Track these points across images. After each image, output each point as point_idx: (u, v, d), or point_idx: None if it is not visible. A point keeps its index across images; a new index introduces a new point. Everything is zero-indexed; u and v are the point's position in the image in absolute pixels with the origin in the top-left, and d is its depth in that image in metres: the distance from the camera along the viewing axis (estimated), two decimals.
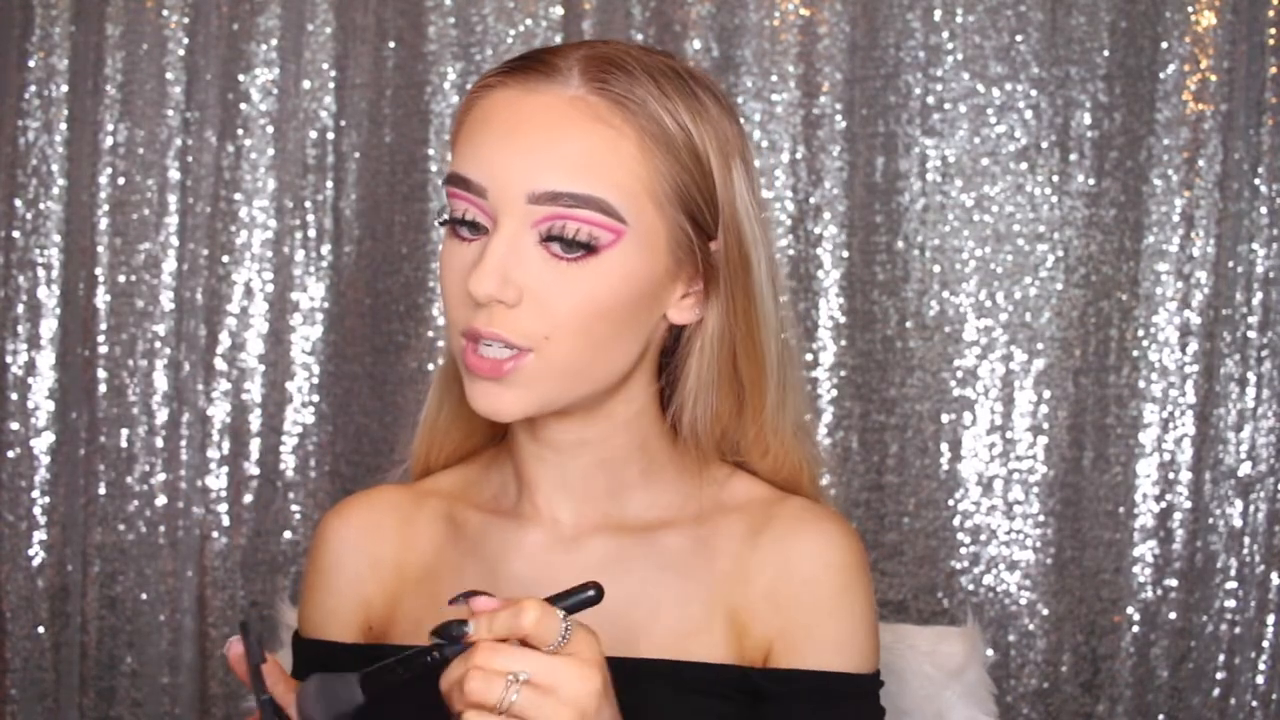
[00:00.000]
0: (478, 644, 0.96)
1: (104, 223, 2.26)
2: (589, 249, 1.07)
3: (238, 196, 2.25)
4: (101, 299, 2.26)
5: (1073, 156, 2.18)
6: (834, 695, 1.13)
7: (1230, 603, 2.16)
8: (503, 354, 1.08)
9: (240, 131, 2.25)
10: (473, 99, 1.13)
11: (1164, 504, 2.17)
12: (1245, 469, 2.16)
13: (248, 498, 2.26)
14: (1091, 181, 2.17)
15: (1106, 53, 2.17)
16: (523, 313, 1.08)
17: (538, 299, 1.08)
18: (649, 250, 1.10)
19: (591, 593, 0.98)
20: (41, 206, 2.25)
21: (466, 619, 0.97)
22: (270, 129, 2.25)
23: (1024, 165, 2.18)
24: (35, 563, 2.26)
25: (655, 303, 1.12)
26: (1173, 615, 2.17)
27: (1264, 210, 2.14)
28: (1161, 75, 2.15)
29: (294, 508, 2.26)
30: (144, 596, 2.27)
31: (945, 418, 2.20)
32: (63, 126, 2.25)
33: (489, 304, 1.08)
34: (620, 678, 1.03)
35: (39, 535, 2.26)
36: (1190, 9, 2.14)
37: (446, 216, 1.12)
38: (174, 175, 2.26)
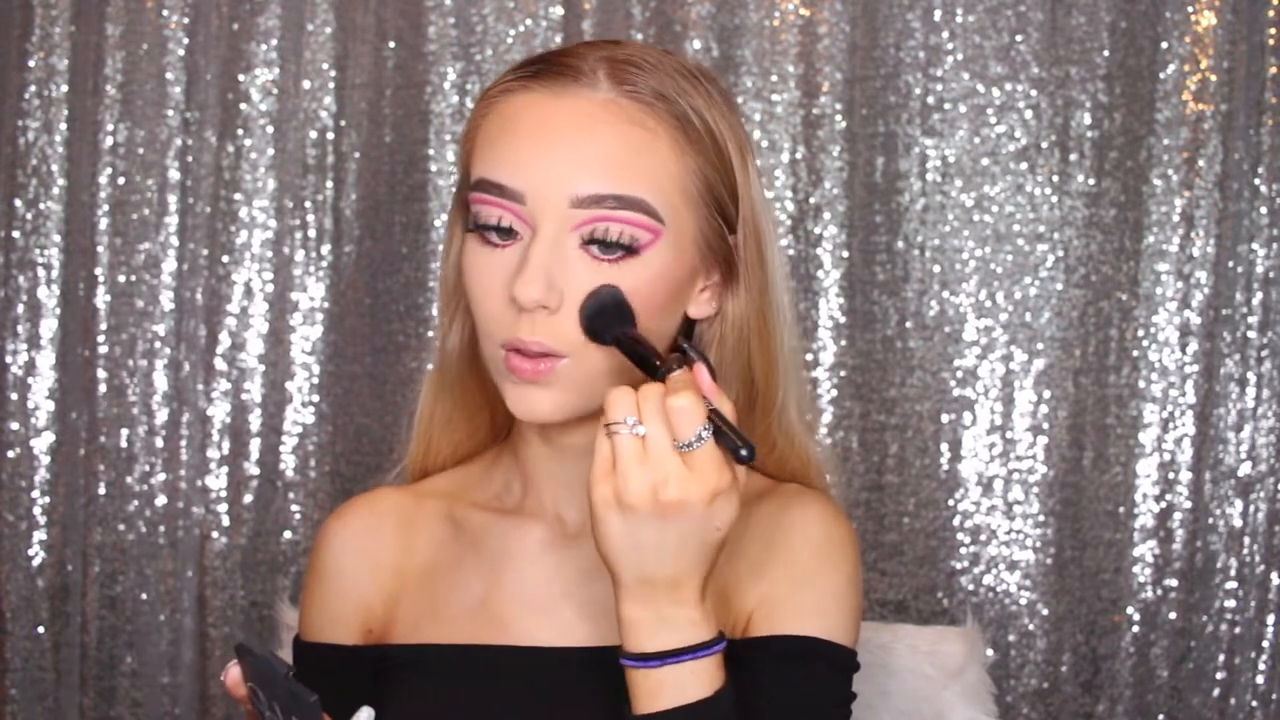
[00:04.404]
0: (685, 383, 1.00)
1: (104, 223, 2.26)
2: (629, 250, 1.08)
3: (238, 196, 2.25)
4: (101, 299, 2.26)
5: (1073, 156, 2.18)
6: (803, 657, 1.13)
7: (1230, 603, 2.15)
8: (541, 359, 1.09)
9: (240, 131, 2.25)
10: (490, 103, 1.13)
11: (1164, 504, 2.17)
12: (1245, 469, 2.16)
13: (248, 498, 2.26)
14: (1091, 181, 2.17)
15: (1106, 53, 2.17)
16: (563, 318, 1.08)
17: (578, 303, 1.08)
18: (680, 249, 1.11)
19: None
20: (41, 206, 2.25)
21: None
22: (270, 129, 2.25)
23: (1024, 165, 2.18)
24: (35, 563, 2.26)
25: (679, 301, 1.13)
26: (1173, 615, 2.17)
27: (1264, 210, 2.14)
28: (1161, 75, 2.15)
29: (294, 508, 2.26)
30: (144, 596, 2.27)
31: (945, 418, 2.20)
32: (63, 126, 2.25)
33: (533, 310, 1.08)
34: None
35: (39, 535, 2.26)
36: (1190, 9, 2.14)
37: (472, 223, 1.11)
38: (174, 175, 2.25)
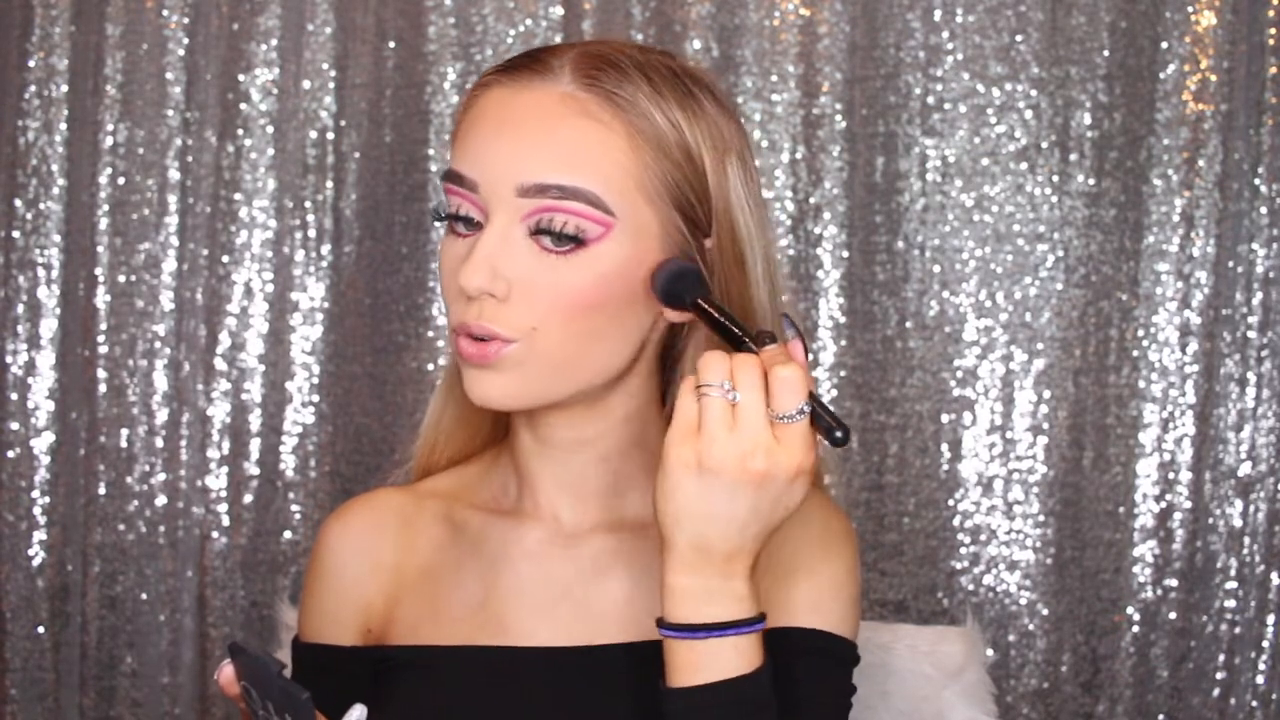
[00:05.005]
0: (786, 356, 1.00)
1: (104, 223, 2.26)
2: (578, 242, 1.08)
3: (238, 196, 2.25)
4: (101, 299, 2.26)
5: (1073, 156, 2.18)
6: (803, 650, 1.13)
7: (1230, 603, 2.16)
8: (488, 341, 1.09)
9: (240, 131, 2.25)
10: (471, 98, 1.15)
11: (1164, 504, 2.17)
12: (1245, 469, 2.16)
13: (248, 498, 2.26)
14: (1091, 181, 2.17)
15: (1106, 53, 2.17)
16: (512, 306, 1.09)
17: (527, 292, 1.08)
18: (640, 245, 1.10)
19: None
20: (41, 206, 2.25)
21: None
22: (270, 129, 2.25)
23: (1024, 165, 2.18)
24: (35, 563, 2.26)
25: (648, 299, 1.12)
26: (1173, 615, 2.17)
27: (1264, 210, 2.14)
28: (1161, 75, 2.15)
29: (294, 508, 2.26)
30: (144, 596, 2.27)
31: (945, 418, 2.20)
32: (63, 126, 2.25)
33: (480, 297, 1.09)
34: (626, 661, 1.08)
35: (39, 535, 2.26)
36: (1190, 9, 2.14)
37: (444, 213, 1.13)
38: (174, 175, 2.26)
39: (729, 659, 1.02)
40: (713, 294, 1.08)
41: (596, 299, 1.09)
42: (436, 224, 2.22)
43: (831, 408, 0.99)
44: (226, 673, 1.01)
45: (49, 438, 2.26)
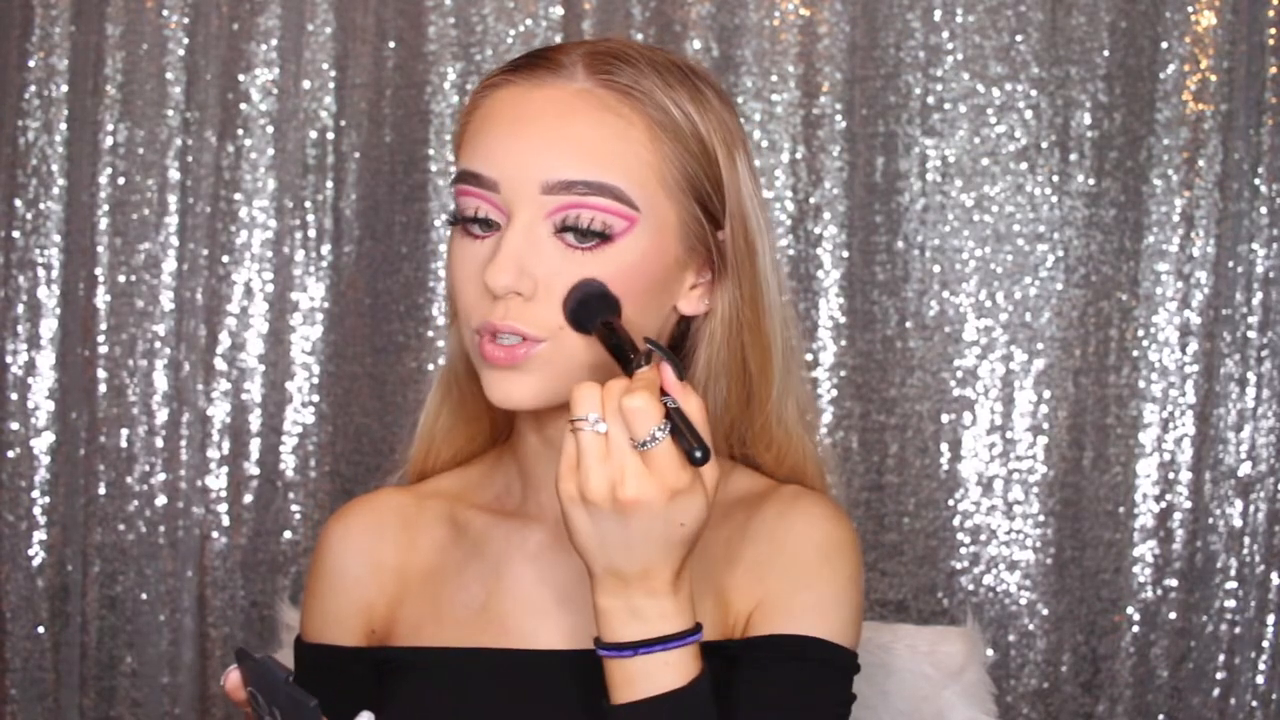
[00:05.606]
0: (646, 381, 0.99)
1: (104, 223, 2.26)
2: (603, 238, 1.08)
3: (238, 196, 2.25)
4: (101, 299, 2.26)
5: (1073, 156, 2.18)
6: (801, 657, 1.13)
7: (1230, 603, 2.16)
8: (517, 343, 1.09)
9: (240, 131, 2.25)
10: (477, 99, 1.14)
11: (1164, 504, 2.17)
12: (1245, 469, 2.16)
13: (248, 498, 2.26)
14: (1091, 181, 2.17)
15: (1106, 53, 2.17)
16: (538, 304, 1.08)
17: (553, 290, 1.08)
18: (661, 238, 1.10)
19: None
20: (41, 206, 2.25)
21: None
22: (270, 129, 2.25)
23: (1024, 165, 2.18)
24: (35, 563, 2.26)
25: (666, 292, 1.13)
26: (1173, 615, 2.17)
27: (1264, 210, 2.14)
28: (1161, 75, 2.15)
29: (294, 508, 2.26)
30: (144, 596, 2.27)
31: (945, 418, 2.20)
32: (63, 126, 2.25)
33: (505, 296, 1.08)
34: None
35: (39, 535, 2.26)
36: (1190, 9, 2.14)
37: (455, 216, 1.12)
38: (174, 175, 2.26)
39: (661, 674, 1.02)
40: (618, 315, 1.07)
41: (621, 295, 1.09)
42: (440, 225, 2.22)
43: (694, 425, 0.98)
44: (233, 678, 1.01)
45: (49, 438, 2.26)
